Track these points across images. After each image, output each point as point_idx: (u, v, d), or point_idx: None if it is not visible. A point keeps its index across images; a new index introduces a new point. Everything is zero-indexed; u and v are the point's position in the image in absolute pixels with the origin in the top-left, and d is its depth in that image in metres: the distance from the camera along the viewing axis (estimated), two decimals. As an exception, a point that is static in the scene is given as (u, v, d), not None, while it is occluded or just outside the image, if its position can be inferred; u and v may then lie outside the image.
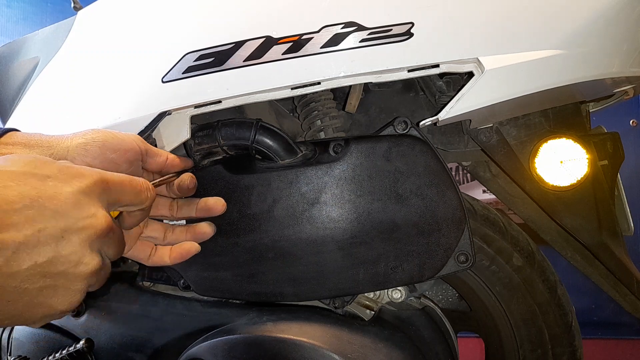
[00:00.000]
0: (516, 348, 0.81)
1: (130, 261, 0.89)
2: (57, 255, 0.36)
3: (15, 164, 0.37)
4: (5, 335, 0.89)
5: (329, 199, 0.63)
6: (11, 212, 0.34)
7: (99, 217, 0.39)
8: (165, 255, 0.59)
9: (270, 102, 0.83)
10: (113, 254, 0.42)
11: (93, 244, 0.38)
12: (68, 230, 0.36)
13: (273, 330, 0.65)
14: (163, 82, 0.63)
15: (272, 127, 0.66)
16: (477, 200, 0.82)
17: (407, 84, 0.84)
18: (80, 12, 0.75)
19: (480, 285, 0.80)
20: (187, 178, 0.60)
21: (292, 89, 0.62)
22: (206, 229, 0.62)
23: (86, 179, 0.39)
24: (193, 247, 0.60)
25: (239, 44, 0.60)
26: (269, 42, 0.60)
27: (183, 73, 0.62)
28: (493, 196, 0.86)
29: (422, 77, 0.71)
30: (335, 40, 0.58)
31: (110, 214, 0.42)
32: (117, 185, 0.43)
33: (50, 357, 0.75)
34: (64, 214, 0.36)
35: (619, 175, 0.78)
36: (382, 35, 0.58)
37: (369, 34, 0.58)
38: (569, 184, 0.69)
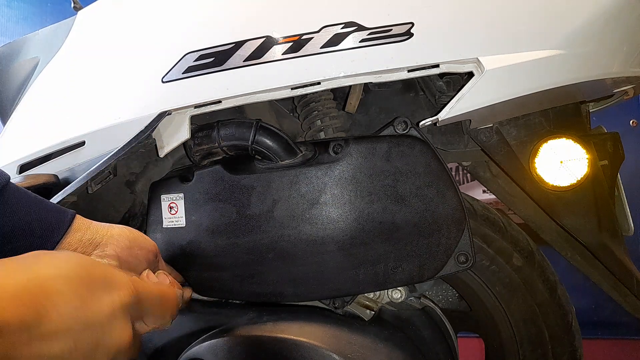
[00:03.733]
0: (516, 348, 0.81)
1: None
2: None
3: (67, 264, 0.37)
4: None
5: (328, 200, 0.63)
6: (58, 324, 0.33)
7: (127, 333, 0.39)
8: None
9: (270, 102, 0.83)
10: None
11: (115, 357, 0.39)
12: (99, 344, 0.36)
13: (273, 330, 0.65)
14: (163, 82, 0.63)
15: (272, 128, 0.66)
16: (477, 200, 0.82)
17: (407, 84, 0.84)
18: (80, 12, 0.75)
19: (480, 285, 0.80)
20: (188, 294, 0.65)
21: (292, 89, 0.61)
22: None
23: (123, 290, 0.40)
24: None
25: (239, 44, 0.60)
26: (269, 42, 0.60)
27: (183, 73, 0.62)
28: (493, 196, 0.86)
29: (422, 77, 0.71)
30: (335, 40, 0.58)
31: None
32: (147, 296, 0.45)
33: None
34: (99, 331, 0.36)
35: (619, 175, 0.78)
36: (382, 35, 0.58)
37: (369, 34, 0.58)
38: (569, 184, 0.69)
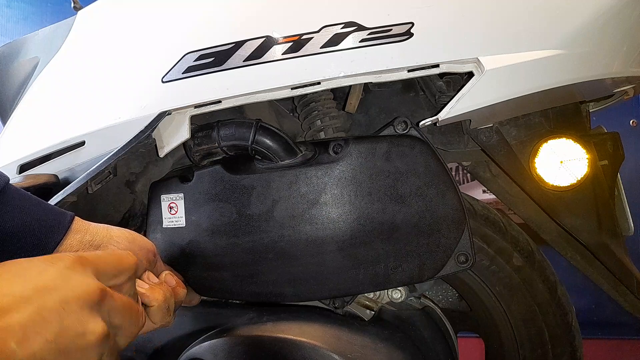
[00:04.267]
0: (516, 348, 0.81)
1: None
2: (63, 327, 0.36)
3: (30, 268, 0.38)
4: None
5: (328, 200, 0.63)
6: (10, 297, 0.34)
7: (90, 283, 0.39)
8: None
9: (270, 102, 0.83)
10: (121, 321, 0.42)
11: (93, 311, 0.39)
12: (65, 301, 0.37)
13: (273, 330, 0.65)
14: (163, 82, 0.63)
15: (271, 128, 0.66)
16: (477, 200, 0.82)
17: (407, 84, 0.84)
18: (80, 12, 0.75)
19: (480, 285, 0.80)
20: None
21: (292, 89, 0.61)
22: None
23: (66, 258, 0.41)
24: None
25: (239, 44, 0.60)
26: (269, 42, 0.60)
27: (183, 73, 0.62)
28: (493, 196, 0.86)
29: (422, 77, 0.71)
30: (335, 40, 0.58)
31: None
32: (96, 258, 0.44)
33: None
34: (56, 288, 0.37)
35: (619, 175, 0.78)
36: (382, 35, 0.58)
37: (368, 34, 0.58)
38: (569, 184, 0.69)
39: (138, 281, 0.53)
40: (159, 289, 0.53)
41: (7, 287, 0.35)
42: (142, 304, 0.51)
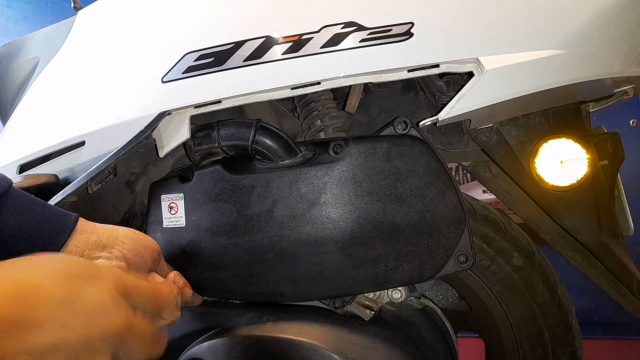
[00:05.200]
0: (516, 348, 0.81)
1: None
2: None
3: (49, 262, 0.38)
4: None
5: (328, 200, 0.63)
6: (42, 309, 0.34)
7: (120, 320, 0.39)
8: None
9: (270, 102, 0.83)
10: (136, 352, 0.42)
11: (109, 349, 0.38)
12: (94, 333, 0.36)
13: (273, 330, 0.65)
14: (163, 82, 0.63)
15: (271, 128, 0.66)
16: (477, 200, 0.82)
17: (407, 84, 0.84)
18: (80, 12, 0.75)
19: (480, 285, 0.80)
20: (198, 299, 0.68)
21: (292, 89, 0.61)
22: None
23: (107, 281, 0.40)
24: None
25: (239, 44, 0.60)
26: (269, 42, 0.60)
27: (183, 73, 0.62)
28: (493, 196, 0.86)
29: (422, 77, 0.71)
30: (335, 40, 0.58)
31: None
32: (136, 289, 0.44)
33: None
34: (87, 316, 0.36)
35: (619, 175, 0.78)
36: (382, 35, 0.58)
37: (368, 34, 0.58)
38: (569, 184, 0.69)
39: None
40: (166, 286, 0.53)
41: (47, 300, 0.34)
42: None
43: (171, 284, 0.56)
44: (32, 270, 0.36)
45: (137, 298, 0.43)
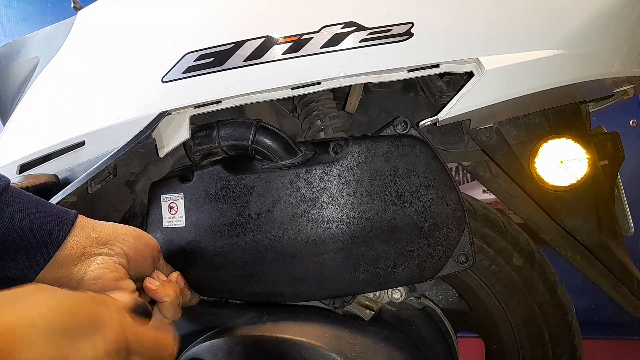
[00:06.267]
0: (516, 348, 0.81)
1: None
2: None
3: (47, 307, 0.35)
4: None
5: (328, 200, 0.63)
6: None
7: None
8: None
9: (270, 102, 0.83)
10: None
11: None
12: None
13: (273, 330, 0.65)
14: (163, 82, 0.63)
15: (271, 128, 0.66)
16: (477, 200, 0.82)
17: (407, 84, 0.84)
18: (80, 12, 0.75)
19: (480, 285, 0.80)
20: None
21: (292, 89, 0.61)
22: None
23: (110, 334, 0.38)
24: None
25: (238, 44, 0.60)
26: (269, 42, 0.60)
27: (183, 73, 0.62)
28: (493, 196, 0.86)
29: (422, 77, 0.71)
30: (335, 40, 0.58)
31: None
32: (138, 341, 0.42)
33: None
34: None
35: (619, 175, 0.78)
36: (382, 35, 0.58)
37: (368, 34, 0.58)
38: (569, 184, 0.69)
39: (149, 279, 0.55)
40: (170, 285, 0.54)
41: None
42: (153, 300, 0.52)
43: (174, 285, 0.56)
44: (20, 315, 0.33)
45: (137, 349, 0.42)
